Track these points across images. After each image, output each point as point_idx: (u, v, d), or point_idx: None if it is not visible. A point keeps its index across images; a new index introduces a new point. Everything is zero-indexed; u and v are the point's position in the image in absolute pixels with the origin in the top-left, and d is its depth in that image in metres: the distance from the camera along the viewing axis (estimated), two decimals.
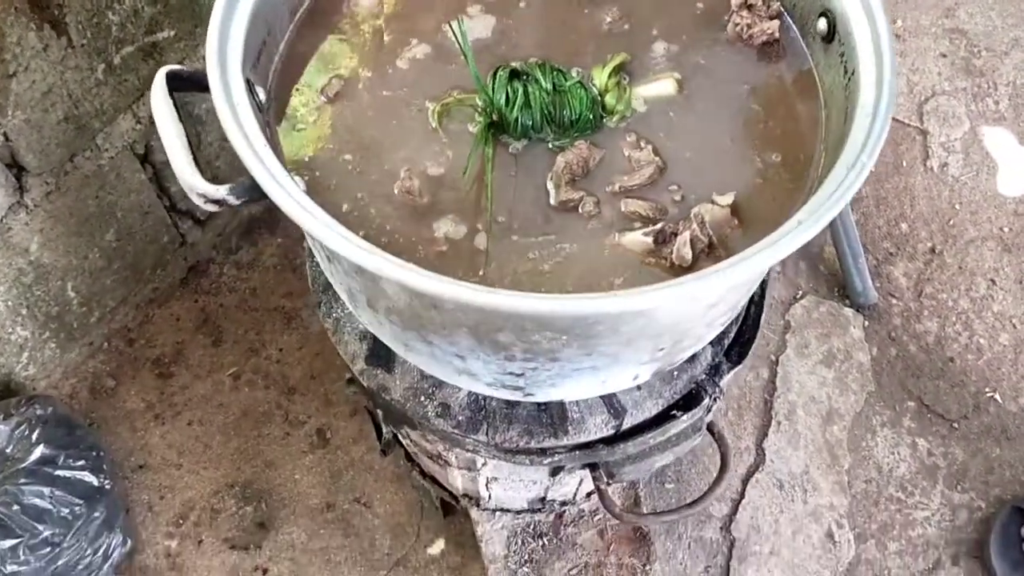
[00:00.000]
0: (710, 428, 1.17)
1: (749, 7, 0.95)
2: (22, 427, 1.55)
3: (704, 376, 1.11)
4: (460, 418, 1.08)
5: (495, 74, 0.92)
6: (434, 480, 1.51)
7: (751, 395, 1.85)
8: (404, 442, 1.35)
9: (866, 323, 1.94)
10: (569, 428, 1.06)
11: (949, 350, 1.92)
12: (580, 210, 0.87)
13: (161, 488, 1.72)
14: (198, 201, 0.77)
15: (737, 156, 0.91)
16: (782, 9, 0.97)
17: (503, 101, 0.90)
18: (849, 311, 1.95)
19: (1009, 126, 2.19)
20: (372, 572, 1.65)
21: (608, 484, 1.13)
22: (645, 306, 0.73)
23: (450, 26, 0.94)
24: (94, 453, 1.62)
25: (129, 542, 1.62)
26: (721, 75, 0.96)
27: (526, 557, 1.35)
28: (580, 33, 0.98)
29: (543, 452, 1.08)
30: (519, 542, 1.36)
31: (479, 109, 0.91)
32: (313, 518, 1.70)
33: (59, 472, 1.55)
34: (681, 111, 0.94)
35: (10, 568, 1.45)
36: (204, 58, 1.60)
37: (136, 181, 1.64)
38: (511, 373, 0.89)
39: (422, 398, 1.09)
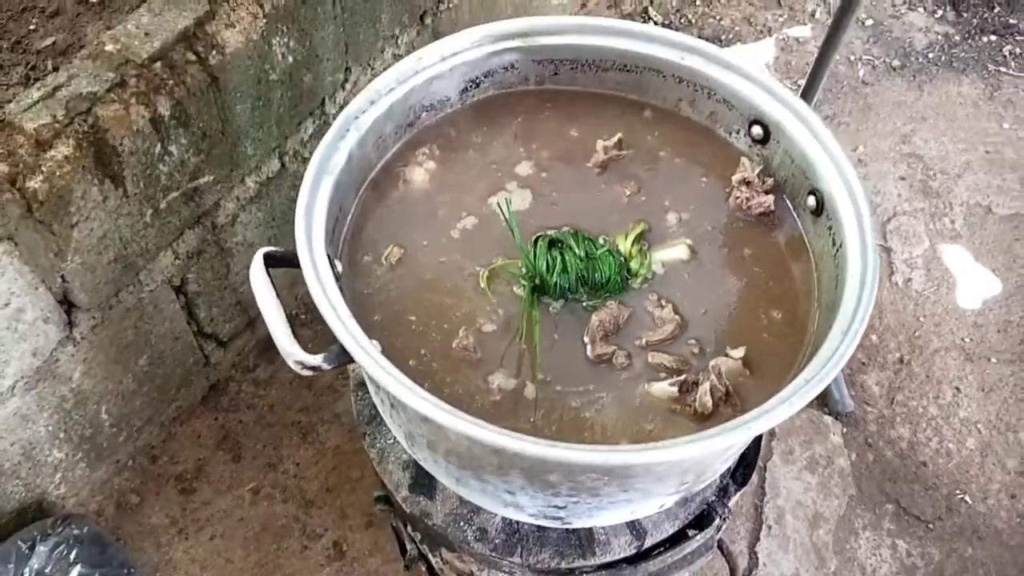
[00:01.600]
0: (719, 545, 1.30)
1: (747, 183, 1.12)
2: (60, 548, 1.63)
3: (714, 498, 1.24)
4: (496, 541, 1.20)
5: (535, 243, 1.07)
6: None
7: (742, 500, 1.98)
8: (433, 560, 1.45)
9: (844, 430, 2.09)
10: (596, 549, 1.18)
11: (921, 454, 2.07)
12: (613, 362, 1.01)
13: None
14: (296, 368, 0.90)
15: (745, 312, 1.06)
16: (776, 185, 1.13)
17: (544, 267, 1.04)
18: (828, 419, 2.10)
19: (965, 243, 2.40)
20: None
21: None
22: (680, 457, 0.86)
23: (498, 204, 1.09)
24: (125, 571, 1.69)
25: None
26: (726, 241, 1.12)
27: None
28: (604, 204, 1.14)
29: (572, 572, 1.20)
30: None
31: (523, 274, 1.05)
32: None
33: None
34: (694, 272, 1.09)
35: None
36: (237, 198, 1.74)
37: (171, 311, 1.76)
38: (555, 506, 1.02)
39: (462, 524, 1.20)
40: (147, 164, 1.50)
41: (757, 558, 1.91)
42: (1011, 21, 2.78)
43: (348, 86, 1.94)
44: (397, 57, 2.08)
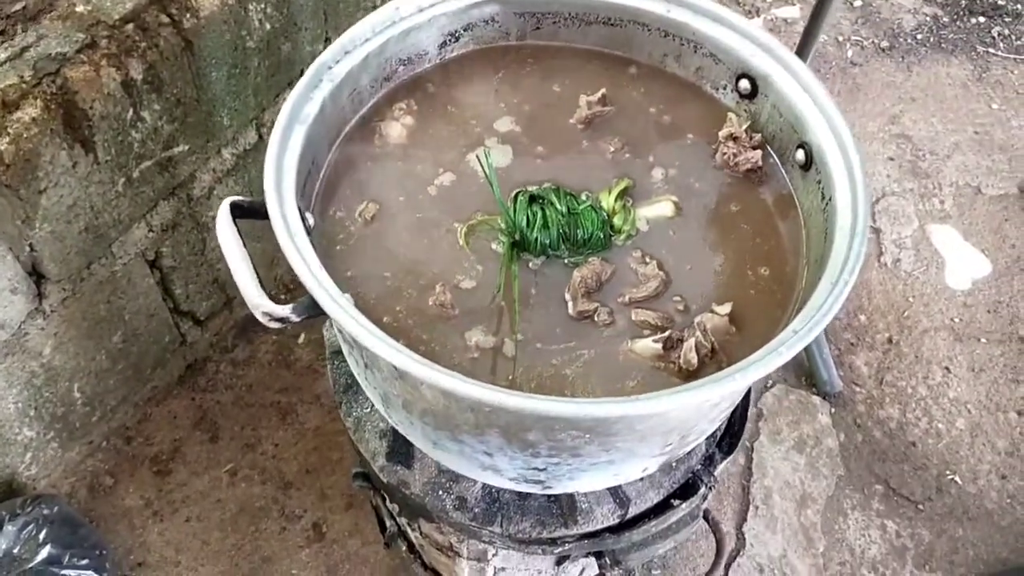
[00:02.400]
0: (706, 516, 1.26)
1: (735, 139, 1.09)
2: (29, 527, 1.58)
3: (699, 467, 1.21)
4: (476, 510, 1.16)
5: (515, 198, 1.03)
6: (436, 573, 1.57)
7: (729, 481, 1.95)
8: (412, 536, 1.41)
9: (833, 410, 2.06)
10: (579, 518, 1.14)
11: (910, 435, 2.04)
12: (595, 319, 0.98)
13: None
14: (263, 319, 0.86)
15: (731, 269, 1.02)
16: (764, 141, 1.10)
17: (524, 222, 1.01)
18: (817, 399, 2.07)
19: (954, 224, 2.37)
20: None
21: (613, 570, 1.21)
22: (664, 408, 0.82)
23: (477, 157, 1.06)
24: (97, 552, 1.65)
25: None
26: (713, 197, 1.08)
27: None
28: (587, 161, 1.10)
29: (554, 542, 1.16)
30: None
31: (502, 230, 1.02)
32: None
33: (64, 572, 1.58)
34: (680, 229, 1.06)
35: None
36: (214, 170, 1.70)
37: (145, 285, 1.72)
38: (535, 468, 0.98)
39: (440, 492, 1.16)
40: (119, 130, 1.46)
41: (744, 539, 1.88)
42: (999, 2, 2.76)
43: None
44: None
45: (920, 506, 1.95)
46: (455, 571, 1.38)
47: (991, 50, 2.67)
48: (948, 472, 1.99)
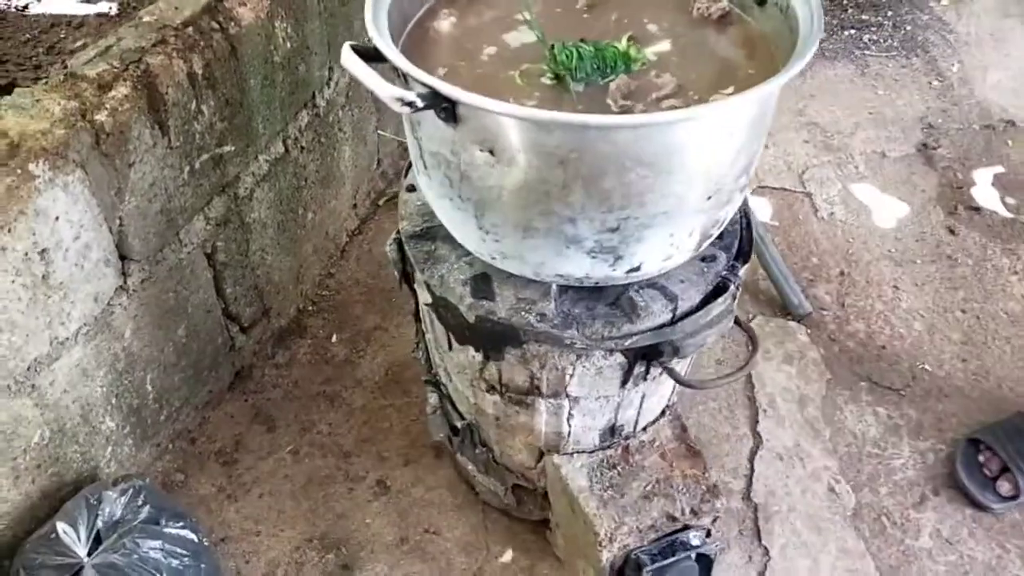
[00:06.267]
0: (737, 321, 1.52)
1: None
2: (128, 493, 1.71)
3: (725, 272, 1.48)
4: (555, 321, 1.39)
5: (552, 47, 1.34)
6: (507, 469, 1.76)
7: (736, 394, 2.19)
8: (487, 409, 1.61)
9: (808, 331, 2.35)
10: (640, 313, 1.39)
11: (879, 340, 2.33)
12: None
13: (246, 554, 1.87)
14: (395, 105, 1.13)
15: (727, 74, 1.34)
16: None
17: (564, 58, 1.31)
18: (792, 323, 2.36)
19: (870, 182, 2.77)
20: None
21: (673, 362, 1.44)
22: (716, 113, 1.11)
23: (522, 13, 1.37)
24: (190, 518, 1.78)
25: None
26: (699, 38, 1.41)
27: (607, 484, 1.58)
28: (596, 30, 1.43)
29: (623, 339, 1.40)
30: (598, 474, 1.60)
31: (549, 66, 1.32)
32: (391, 552, 1.87)
33: (166, 529, 1.71)
34: (679, 56, 1.37)
35: None
36: (253, 173, 1.95)
37: (204, 279, 1.93)
38: (609, 230, 1.24)
39: (523, 313, 1.40)
40: (186, 119, 1.73)
41: (760, 436, 2.10)
42: (863, 17, 3.31)
43: (332, 84, 2.22)
44: None
45: (902, 392, 2.22)
46: (534, 421, 1.58)
47: (867, 52, 3.18)
48: (918, 363, 2.28)
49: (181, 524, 1.75)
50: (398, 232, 1.58)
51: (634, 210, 1.22)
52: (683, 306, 1.43)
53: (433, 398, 1.85)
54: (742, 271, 1.50)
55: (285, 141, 2.08)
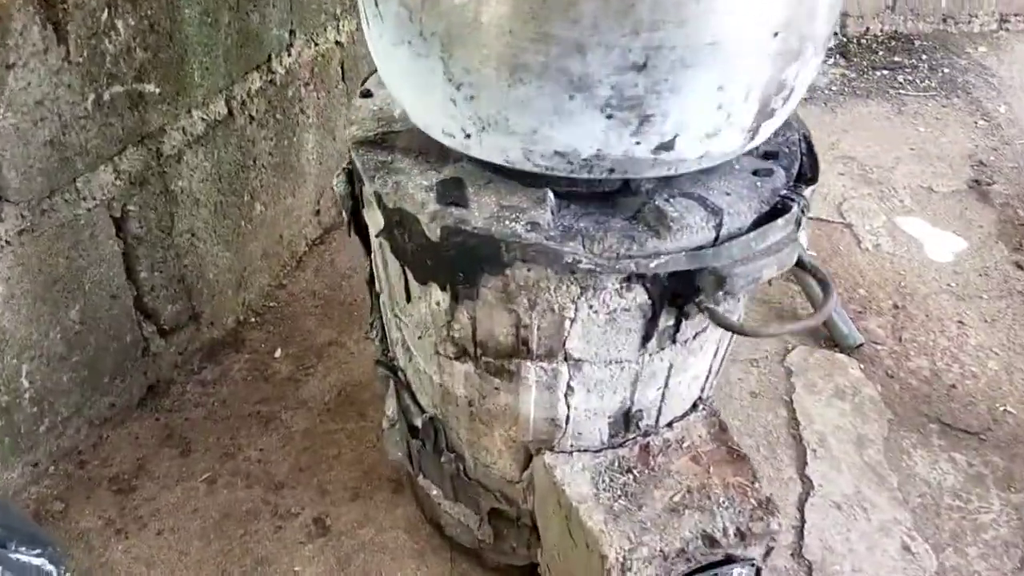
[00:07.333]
0: (800, 263, 1.11)
1: None
2: None
3: (786, 191, 1.08)
4: (552, 232, 0.99)
5: None
6: (481, 485, 1.31)
7: (777, 432, 1.75)
8: (458, 390, 1.18)
9: (861, 365, 1.92)
10: (672, 226, 0.99)
11: (947, 379, 1.90)
12: None
13: None
14: None
15: None
16: None
17: None
18: (841, 356, 1.94)
19: (919, 215, 2.40)
20: None
21: (718, 301, 1.02)
22: None
23: None
24: (52, 547, 1.31)
25: None
26: None
27: (619, 492, 1.13)
28: None
29: (647, 258, 0.99)
30: (606, 479, 1.15)
31: None
32: None
33: (13, 555, 1.24)
34: None
35: None
36: (183, 129, 1.60)
37: (108, 250, 1.53)
38: (633, 66, 0.85)
39: (507, 221, 0.99)
40: (93, 29, 1.38)
41: (810, 480, 1.65)
42: (895, 59, 3.02)
43: (293, 51, 1.89)
44: (339, 43, 2.06)
45: (982, 436, 1.78)
46: (519, 402, 1.15)
47: (901, 92, 2.87)
48: (998, 405, 1.85)
49: (37, 551, 1.29)
50: (350, 161, 1.19)
51: (670, 32, 0.84)
52: (730, 223, 1.02)
53: (391, 407, 1.41)
54: (808, 192, 1.10)
55: (229, 102, 1.72)
